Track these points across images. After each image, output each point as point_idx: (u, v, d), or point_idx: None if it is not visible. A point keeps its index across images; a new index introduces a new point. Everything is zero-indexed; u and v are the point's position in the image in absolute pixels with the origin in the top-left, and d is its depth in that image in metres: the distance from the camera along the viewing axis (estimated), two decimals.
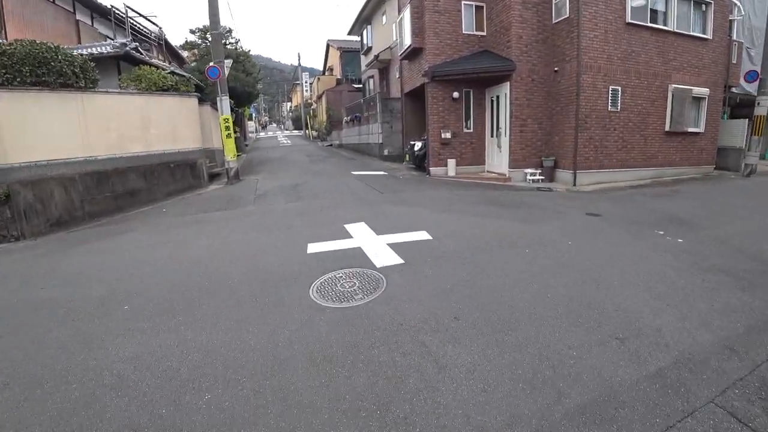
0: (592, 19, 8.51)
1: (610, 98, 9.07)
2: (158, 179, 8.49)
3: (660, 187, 9.01)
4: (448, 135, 10.19)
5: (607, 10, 8.65)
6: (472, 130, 10.47)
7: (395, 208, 6.58)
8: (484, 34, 10.12)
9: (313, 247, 4.62)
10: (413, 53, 10.79)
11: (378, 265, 4.00)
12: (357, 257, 4.27)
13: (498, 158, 10.11)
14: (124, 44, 8.96)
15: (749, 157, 10.55)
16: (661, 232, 5.19)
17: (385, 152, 14.65)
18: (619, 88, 9.13)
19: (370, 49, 18.92)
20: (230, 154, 9.81)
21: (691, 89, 10.04)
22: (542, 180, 9.43)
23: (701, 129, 10.62)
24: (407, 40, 10.60)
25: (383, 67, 17.20)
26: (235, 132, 23.08)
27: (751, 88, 11.88)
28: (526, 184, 9.32)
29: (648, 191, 8.61)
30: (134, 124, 8.19)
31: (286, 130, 51.33)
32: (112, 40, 11.16)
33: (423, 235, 4.94)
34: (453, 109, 10.16)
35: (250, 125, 40.26)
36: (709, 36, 10.14)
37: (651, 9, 9.24)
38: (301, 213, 6.49)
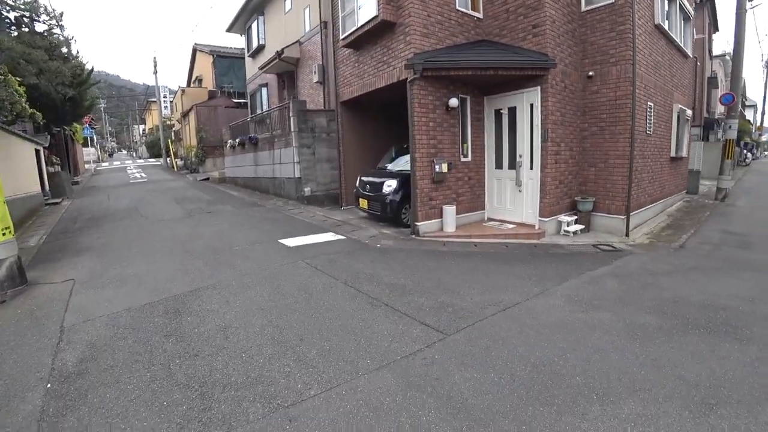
0: (639, 10, 6.13)
1: (647, 117, 6.87)
2: None
3: (699, 232, 6.98)
4: (444, 167, 6.49)
5: (643, 4, 6.43)
6: (470, 159, 6.99)
7: None
8: (481, 16, 6.89)
9: None
10: (374, 33, 6.75)
11: None
12: None
13: (515, 201, 6.84)
14: None
15: (722, 181, 9.96)
16: None
17: (306, 192, 10.03)
18: (653, 105, 7.03)
19: (262, 47, 14.17)
20: None
21: (686, 110, 8.82)
22: (581, 230, 6.57)
23: (685, 153, 9.59)
24: (369, 11, 6.55)
25: (287, 71, 12.70)
26: (54, 164, 14.57)
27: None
28: (567, 240, 6.26)
29: (709, 237, 6.46)
30: None
31: (139, 158, 39.99)
32: None
33: None
34: (448, 125, 6.54)
35: (88, 153, 29.32)
36: (690, 53, 9.16)
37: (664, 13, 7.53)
38: None
